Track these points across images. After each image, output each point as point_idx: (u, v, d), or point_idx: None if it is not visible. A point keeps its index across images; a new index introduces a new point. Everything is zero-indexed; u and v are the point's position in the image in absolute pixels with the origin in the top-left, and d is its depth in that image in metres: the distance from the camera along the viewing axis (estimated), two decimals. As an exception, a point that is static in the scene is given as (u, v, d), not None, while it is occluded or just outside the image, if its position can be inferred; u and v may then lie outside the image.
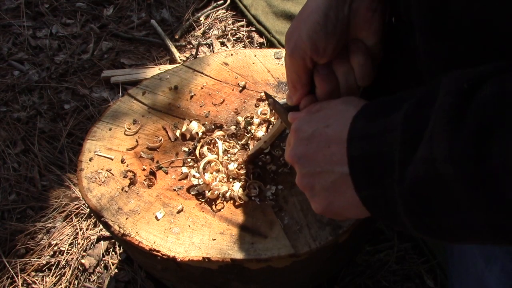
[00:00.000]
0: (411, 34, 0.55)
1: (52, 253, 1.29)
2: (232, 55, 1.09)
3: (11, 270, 1.25)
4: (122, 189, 0.85)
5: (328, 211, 0.56)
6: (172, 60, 1.82)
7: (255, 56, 1.08)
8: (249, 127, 0.92)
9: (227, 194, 0.82)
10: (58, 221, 1.35)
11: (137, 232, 0.78)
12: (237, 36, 1.93)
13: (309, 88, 0.66)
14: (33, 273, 1.25)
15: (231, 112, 0.97)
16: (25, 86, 1.74)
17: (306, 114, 0.60)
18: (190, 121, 0.94)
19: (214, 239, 0.76)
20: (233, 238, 0.76)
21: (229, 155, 0.89)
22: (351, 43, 0.61)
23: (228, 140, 0.92)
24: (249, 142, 0.90)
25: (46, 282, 1.23)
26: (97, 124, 0.96)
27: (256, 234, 0.76)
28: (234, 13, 2.03)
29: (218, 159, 0.87)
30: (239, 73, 1.05)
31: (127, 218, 0.80)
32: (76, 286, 1.22)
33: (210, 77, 1.04)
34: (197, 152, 0.89)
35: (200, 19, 2.00)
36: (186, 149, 0.91)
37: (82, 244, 1.29)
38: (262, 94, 0.99)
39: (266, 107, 0.95)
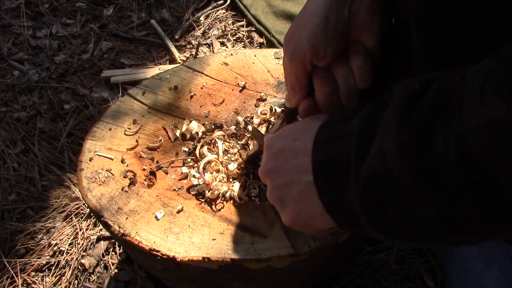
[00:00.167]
0: (409, 35, 0.55)
1: (52, 253, 1.29)
2: (232, 55, 1.09)
3: (11, 270, 1.25)
4: (122, 189, 0.85)
5: (297, 222, 0.56)
6: (172, 60, 1.82)
7: (255, 56, 1.08)
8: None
9: (227, 194, 0.82)
10: (58, 221, 1.35)
11: (137, 232, 0.78)
12: (237, 36, 1.93)
13: (308, 90, 0.66)
14: (33, 273, 1.25)
15: (231, 112, 0.97)
16: (25, 86, 1.74)
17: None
18: (190, 121, 0.94)
19: (214, 239, 0.76)
20: (233, 238, 0.76)
21: (229, 155, 0.89)
22: (350, 45, 0.61)
23: (228, 140, 0.92)
24: (249, 142, 0.90)
25: (46, 282, 1.23)
26: (97, 124, 0.96)
27: (256, 234, 0.76)
28: (234, 13, 2.03)
29: (218, 159, 0.87)
30: (239, 73, 1.05)
31: (127, 218, 0.80)
32: (76, 286, 1.22)
33: (210, 77, 1.04)
34: (197, 152, 0.90)
35: (200, 19, 2.00)
36: (186, 149, 0.91)
37: (82, 244, 1.29)
38: (262, 94, 0.99)
39: (266, 107, 0.95)
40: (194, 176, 0.85)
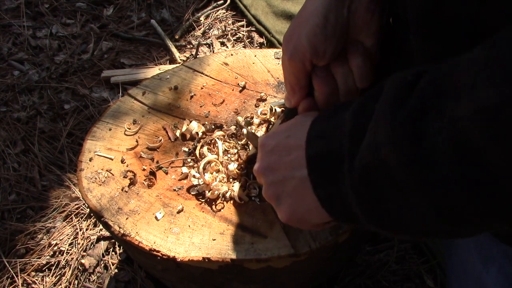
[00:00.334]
0: (408, 34, 0.55)
1: (52, 253, 1.29)
2: (232, 55, 1.09)
3: (11, 270, 1.25)
4: (122, 189, 0.85)
5: (293, 218, 0.56)
6: (172, 60, 1.82)
7: (255, 56, 1.08)
8: (249, 127, 0.92)
9: (227, 194, 0.82)
10: (58, 221, 1.35)
11: (137, 232, 0.78)
12: (237, 36, 1.93)
13: (307, 90, 0.66)
14: (33, 273, 1.25)
15: (231, 112, 0.97)
16: (25, 86, 1.74)
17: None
18: (190, 121, 0.94)
19: (214, 239, 0.76)
20: (233, 238, 0.76)
21: (229, 155, 0.89)
22: (349, 45, 0.61)
23: (228, 140, 0.92)
24: (249, 142, 0.90)
25: (46, 282, 1.23)
26: (97, 124, 0.96)
27: (256, 234, 0.76)
28: (234, 13, 2.03)
29: (218, 159, 0.87)
30: (239, 73, 1.05)
31: (127, 218, 0.80)
32: (76, 286, 1.22)
33: (210, 77, 1.04)
34: (197, 152, 0.90)
35: (200, 19, 2.00)
36: (186, 149, 0.91)
37: (82, 244, 1.30)
38: (263, 94, 0.99)
39: (266, 107, 0.95)
40: (194, 176, 0.85)
